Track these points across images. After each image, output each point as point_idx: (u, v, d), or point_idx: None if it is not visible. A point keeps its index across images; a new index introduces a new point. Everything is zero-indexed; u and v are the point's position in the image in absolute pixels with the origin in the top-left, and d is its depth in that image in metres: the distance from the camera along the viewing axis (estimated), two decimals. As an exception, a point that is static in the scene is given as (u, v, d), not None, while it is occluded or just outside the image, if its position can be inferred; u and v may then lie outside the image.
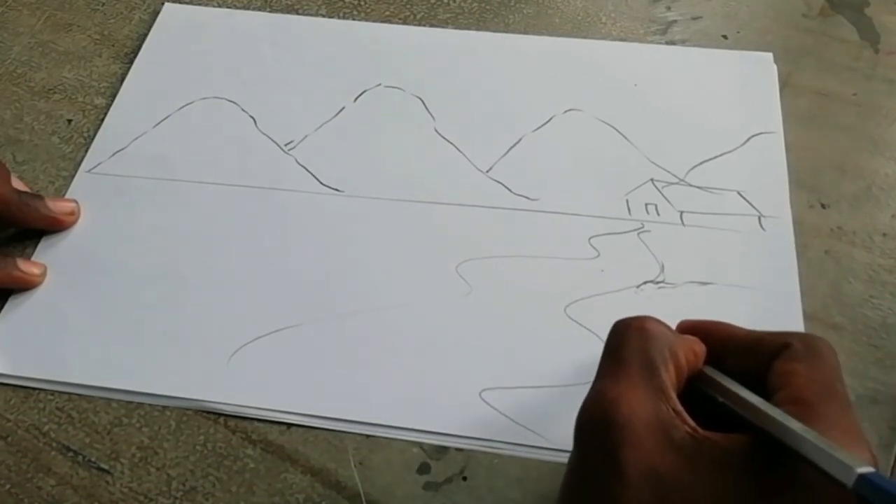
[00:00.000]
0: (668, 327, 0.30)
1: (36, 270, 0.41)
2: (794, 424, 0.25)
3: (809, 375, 0.28)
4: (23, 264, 0.41)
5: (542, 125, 0.46)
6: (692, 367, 0.30)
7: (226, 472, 0.36)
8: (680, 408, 0.27)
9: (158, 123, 0.47)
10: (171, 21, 0.52)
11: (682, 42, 0.50)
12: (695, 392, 0.30)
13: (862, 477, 0.23)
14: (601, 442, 0.27)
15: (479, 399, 0.37)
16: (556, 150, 0.45)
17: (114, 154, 0.46)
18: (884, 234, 0.42)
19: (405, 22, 0.51)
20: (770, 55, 0.48)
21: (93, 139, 0.46)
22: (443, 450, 0.36)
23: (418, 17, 0.52)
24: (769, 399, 0.28)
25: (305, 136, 0.46)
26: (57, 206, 0.42)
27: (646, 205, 0.43)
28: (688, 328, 0.32)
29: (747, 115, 0.46)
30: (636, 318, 0.30)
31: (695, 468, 0.26)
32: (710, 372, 0.30)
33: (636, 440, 0.26)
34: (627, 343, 0.29)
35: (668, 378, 0.28)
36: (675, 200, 0.43)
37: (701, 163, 0.44)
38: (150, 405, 0.38)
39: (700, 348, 0.31)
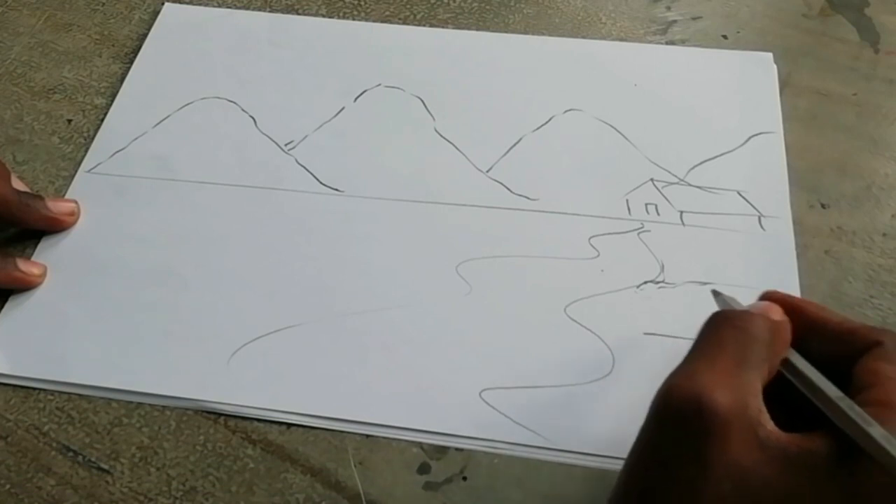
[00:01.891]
0: (769, 323, 0.29)
1: (36, 270, 0.41)
2: (875, 430, 0.24)
3: None
4: (23, 264, 0.41)
5: (542, 125, 0.46)
6: (781, 359, 0.29)
7: (226, 472, 0.36)
8: (764, 408, 0.27)
9: (158, 123, 0.47)
10: (171, 21, 0.52)
11: (682, 42, 0.50)
12: (779, 378, 0.29)
13: None
14: (688, 425, 0.26)
15: (479, 399, 0.37)
16: (556, 150, 0.45)
17: (114, 154, 0.46)
18: (884, 234, 0.42)
19: (405, 22, 0.51)
20: (770, 55, 0.48)
21: (93, 139, 0.46)
22: (443, 450, 0.36)
23: (418, 17, 0.52)
24: (853, 396, 0.27)
25: (305, 136, 0.46)
26: (57, 207, 0.42)
27: (646, 205, 0.43)
28: (779, 300, 0.31)
29: (747, 115, 0.46)
30: (740, 313, 0.29)
31: (780, 468, 0.25)
32: (796, 360, 0.29)
33: (725, 430, 0.25)
34: (728, 337, 0.28)
35: (761, 380, 0.27)
36: (675, 200, 0.43)
37: (701, 163, 0.44)
38: (150, 405, 0.38)
39: (789, 338, 0.30)
